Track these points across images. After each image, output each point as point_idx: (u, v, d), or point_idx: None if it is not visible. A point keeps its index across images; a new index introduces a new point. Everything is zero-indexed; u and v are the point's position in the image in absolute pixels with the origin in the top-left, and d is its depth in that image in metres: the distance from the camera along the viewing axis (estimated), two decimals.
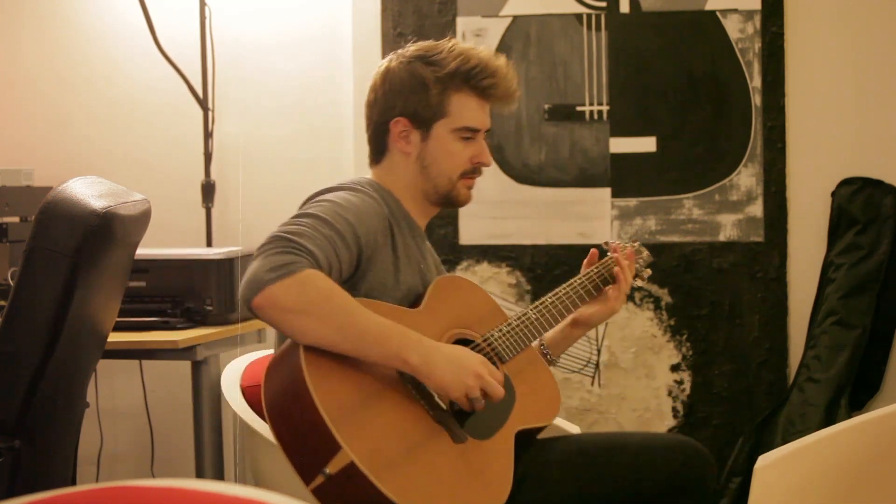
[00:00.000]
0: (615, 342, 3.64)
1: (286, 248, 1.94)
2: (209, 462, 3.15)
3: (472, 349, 2.14)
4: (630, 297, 3.61)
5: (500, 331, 2.22)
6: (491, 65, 2.24)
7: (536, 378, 2.26)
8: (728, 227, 3.61)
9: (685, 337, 3.63)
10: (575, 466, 2.18)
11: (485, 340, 2.19)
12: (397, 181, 2.26)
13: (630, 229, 3.62)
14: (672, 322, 3.63)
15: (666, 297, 3.63)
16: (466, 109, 2.24)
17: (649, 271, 2.55)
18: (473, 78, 2.23)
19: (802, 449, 1.99)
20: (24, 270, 2.23)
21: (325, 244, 1.99)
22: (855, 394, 3.52)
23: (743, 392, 3.61)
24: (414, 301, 2.18)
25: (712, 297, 3.62)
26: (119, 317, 2.66)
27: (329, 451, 1.83)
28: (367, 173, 2.33)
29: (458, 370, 2.00)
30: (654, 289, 3.62)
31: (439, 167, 2.25)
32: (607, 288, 2.40)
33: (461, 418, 2.05)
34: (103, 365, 3.03)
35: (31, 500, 1.15)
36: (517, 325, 2.24)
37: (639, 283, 2.51)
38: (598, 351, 3.66)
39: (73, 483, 2.69)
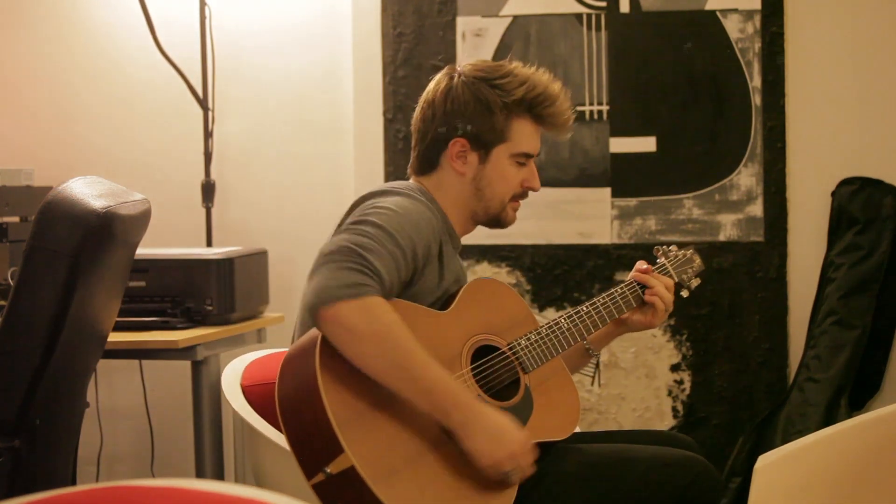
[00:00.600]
0: (615, 342, 3.61)
1: (359, 265, 1.93)
2: (209, 462, 3.15)
3: (493, 360, 2.13)
4: None
5: (528, 339, 2.19)
6: (552, 92, 2.24)
7: (559, 390, 2.22)
8: (728, 227, 3.61)
9: (685, 337, 3.63)
10: (584, 481, 2.13)
11: (510, 348, 2.17)
12: (445, 197, 2.24)
13: (630, 229, 3.62)
14: (672, 322, 3.63)
15: None
16: (525, 135, 2.24)
17: (698, 281, 2.45)
18: (538, 106, 2.23)
19: (802, 449, 1.99)
20: (24, 270, 2.23)
21: (391, 263, 1.99)
22: (855, 394, 3.52)
23: (743, 392, 3.61)
24: (446, 301, 2.16)
25: (712, 297, 3.61)
26: (119, 317, 2.66)
27: (332, 452, 1.83)
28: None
29: (495, 445, 1.96)
30: None
31: (493, 190, 2.24)
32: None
33: None
34: (103, 365, 3.03)
35: (31, 500, 1.15)
36: (546, 334, 2.21)
37: (684, 294, 2.43)
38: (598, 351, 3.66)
39: (73, 483, 2.69)
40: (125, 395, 3.77)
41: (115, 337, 2.74)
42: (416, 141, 2.28)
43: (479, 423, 1.95)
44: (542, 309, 3.65)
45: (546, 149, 3.65)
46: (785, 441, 3.34)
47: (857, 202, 3.53)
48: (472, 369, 2.10)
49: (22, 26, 3.90)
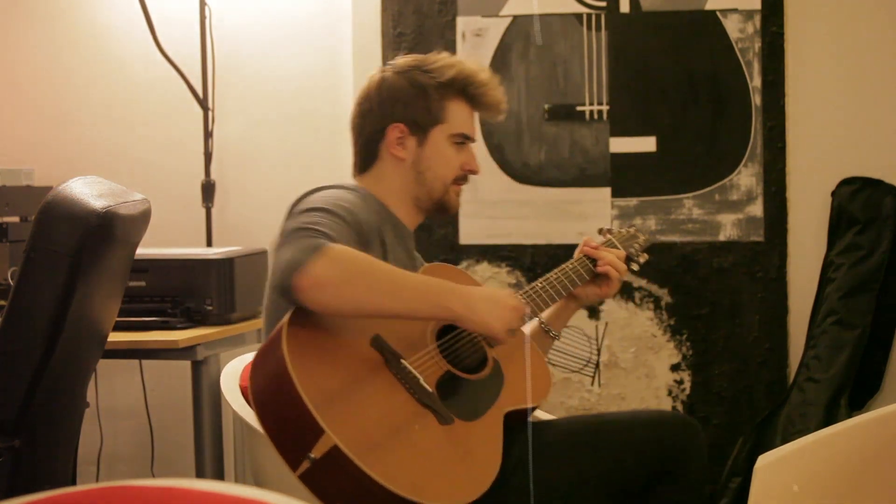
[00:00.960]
0: (615, 342, 3.64)
1: (308, 234, 1.97)
2: (209, 462, 3.15)
3: (457, 336, 2.16)
4: (630, 297, 3.61)
5: None
6: (481, 75, 2.33)
7: (526, 360, 2.27)
8: (728, 227, 3.61)
9: (685, 337, 3.63)
10: (565, 449, 2.19)
11: None
12: (387, 188, 2.31)
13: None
14: (672, 322, 3.63)
15: (666, 297, 3.63)
16: (461, 117, 2.32)
17: (646, 256, 2.54)
18: (470, 86, 2.31)
19: (802, 449, 1.99)
20: (24, 270, 2.24)
21: (337, 227, 2.03)
22: (855, 394, 3.52)
23: (743, 392, 3.61)
24: None
25: (712, 297, 3.62)
26: (119, 316, 2.66)
27: (313, 436, 1.84)
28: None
29: (495, 308, 2.04)
30: (654, 289, 3.62)
31: (434, 172, 2.31)
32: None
33: (448, 400, 2.06)
34: (103, 365, 3.03)
35: (31, 500, 1.15)
36: None
37: (634, 267, 2.50)
38: (598, 351, 3.66)
39: (73, 483, 2.69)
40: (125, 395, 3.77)
41: (115, 337, 2.74)
42: (355, 139, 2.35)
43: (475, 299, 2.03)
44: None
45: (546, 149, 3.66)
46: (785, 441, 3.34)
47: (857, 202, 3.54)
48: (439, 346, 2.13)
49: (22, 26, 3.90)
